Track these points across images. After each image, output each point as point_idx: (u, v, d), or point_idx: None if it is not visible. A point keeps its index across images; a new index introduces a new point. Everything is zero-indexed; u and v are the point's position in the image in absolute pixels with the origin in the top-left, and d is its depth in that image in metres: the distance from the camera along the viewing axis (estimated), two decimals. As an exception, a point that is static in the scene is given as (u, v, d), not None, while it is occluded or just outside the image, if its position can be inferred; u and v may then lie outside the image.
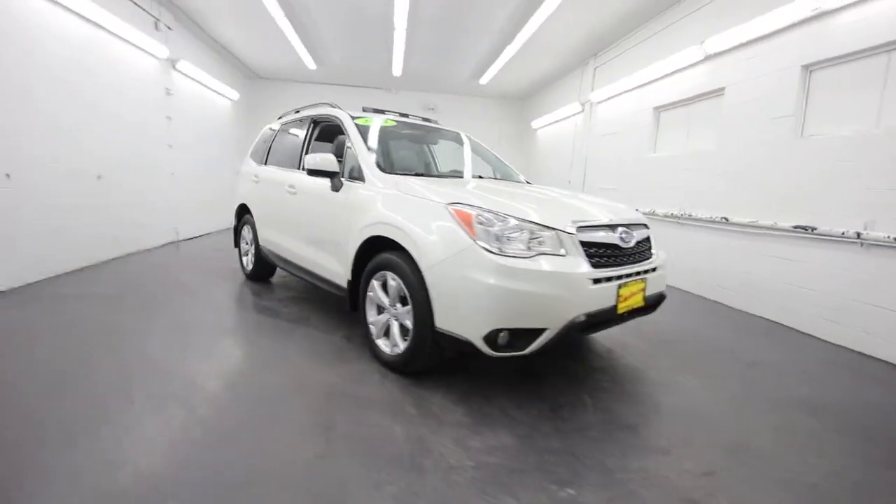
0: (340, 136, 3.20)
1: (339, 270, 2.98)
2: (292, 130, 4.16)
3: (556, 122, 9.16)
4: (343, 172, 3.05)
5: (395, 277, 2.44)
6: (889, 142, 3.22)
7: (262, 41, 7.66)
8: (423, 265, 2.25)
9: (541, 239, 2.15)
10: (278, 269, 4.40)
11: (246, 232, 4.62)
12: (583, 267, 2.16)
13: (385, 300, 2.57)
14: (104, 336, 2.87)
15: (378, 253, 2.59)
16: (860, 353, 3.31)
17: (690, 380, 2.70)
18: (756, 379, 2.78)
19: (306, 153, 3.69)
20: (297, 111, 4.32)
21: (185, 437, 1.81)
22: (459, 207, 2.22)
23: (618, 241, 2.38)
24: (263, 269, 4.46)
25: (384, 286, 2.58)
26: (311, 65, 8.69)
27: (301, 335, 3.08)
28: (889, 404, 2.53)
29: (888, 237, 3.14)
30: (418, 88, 10.56)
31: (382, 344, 2.63)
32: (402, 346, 2.47)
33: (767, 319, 4.09)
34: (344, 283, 2.93)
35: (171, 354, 2.65)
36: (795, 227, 3.80)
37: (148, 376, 2.34)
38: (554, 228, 2.18)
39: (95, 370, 2.38)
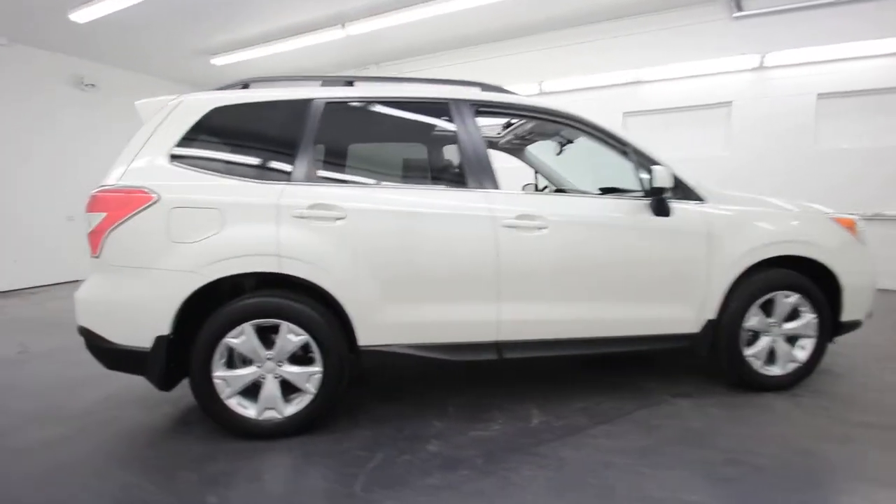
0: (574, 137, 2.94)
1: (683, 316, 2.41)
2: (420, 119, 2.44)
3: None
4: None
5: (790, 294, 2.45)
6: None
7: None
8: (837, 270, 2.48)
9: None
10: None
11: (250, 341, 2.03)
12: None
13: (766, 322, 2.48)
14: None
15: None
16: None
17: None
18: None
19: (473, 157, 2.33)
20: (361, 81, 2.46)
21: None
22: (837, 216, 2.60)
23: None
24: (339, 395, 2.23)
25: (765, 308, 2.47)
26: None
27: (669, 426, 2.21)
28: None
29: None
30: (71, 51, 6.28)
31: (767, 371, 2.50)
32: (801, 356, 2.50)
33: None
34: (695, 329, 2.42)
35: None
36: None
37: None
38: None
39: None
